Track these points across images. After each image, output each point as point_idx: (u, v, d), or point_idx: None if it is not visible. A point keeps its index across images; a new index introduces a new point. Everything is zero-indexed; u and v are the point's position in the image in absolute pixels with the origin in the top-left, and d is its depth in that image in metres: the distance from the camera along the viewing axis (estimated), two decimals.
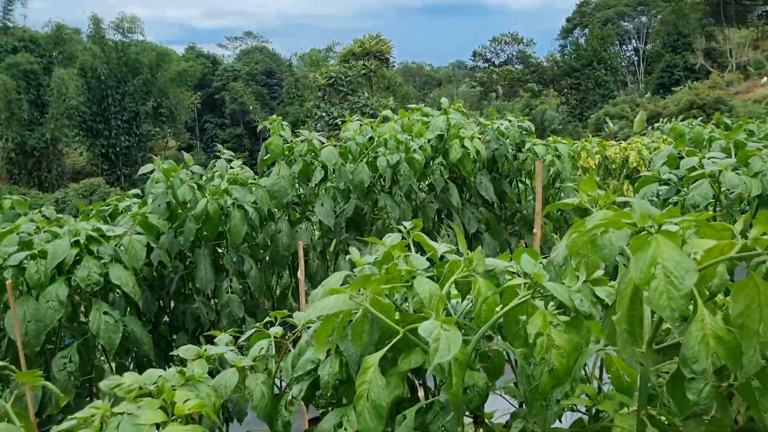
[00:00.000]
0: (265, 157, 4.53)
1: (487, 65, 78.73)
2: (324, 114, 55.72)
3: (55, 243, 3.48)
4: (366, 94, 56.22)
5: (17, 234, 3.71)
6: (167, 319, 4.57)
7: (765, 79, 53.51)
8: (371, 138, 4.67)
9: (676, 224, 1.43)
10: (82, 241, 3.50)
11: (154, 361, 3.87)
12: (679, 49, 63.54)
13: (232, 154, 4.84)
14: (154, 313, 4.41)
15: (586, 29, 75.31)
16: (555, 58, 76.41)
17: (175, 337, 4.59)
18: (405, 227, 2.22)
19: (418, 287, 1.79)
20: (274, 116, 4.56)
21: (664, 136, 6.57)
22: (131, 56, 56.13)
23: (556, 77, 70.32)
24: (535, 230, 5.62)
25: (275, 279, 4.85)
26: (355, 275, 2.05)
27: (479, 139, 5.10)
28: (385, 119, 5.13)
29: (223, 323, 4.25)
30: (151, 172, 4.25)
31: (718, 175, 2.68)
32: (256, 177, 4.40)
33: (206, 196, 4.05)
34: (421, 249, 2.16)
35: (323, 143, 4.50)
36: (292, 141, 4.48)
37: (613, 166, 6.40)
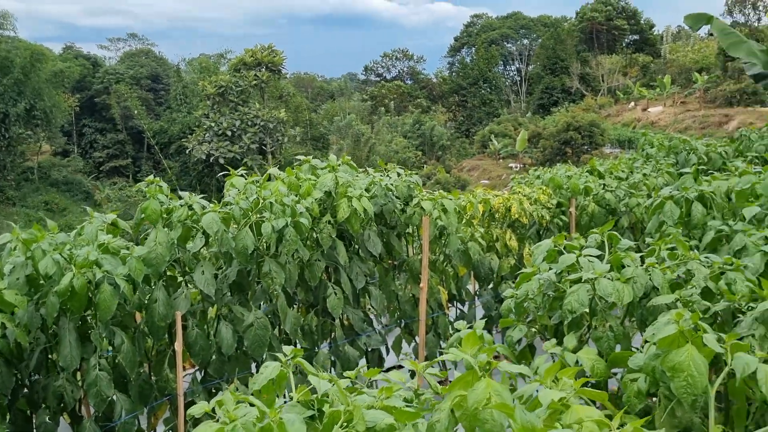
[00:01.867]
0: (139, 221, 4.26)
1: (378, 80, 79.92)
2: (213, 124, 54.20)
3: None
4: (257, 105, 55.29)
5: None
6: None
7: (632, 104, 57.78)
8: (256, 200, 4.51)
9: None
10: None
11: None
12: (558, 72, 67.39)
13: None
14: (11, 389, 4.02)
15: (473, 49, 78.22)
16: (443, 75, 78.80)
17: (35, 414, 4.21)
18: (285, 355, 2.11)
19: None
20: (151, 178, 4.29)
21: (544, 187, 6.84)
22: (1, 53, 52.04)
23: (445, 94, 72.48)
24: (421, 284, 5.68)
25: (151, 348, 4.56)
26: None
27: (367, 197, 5.07)
28: (271, 178, 4.99)
29: (91, 402, 3.94)
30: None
31: (593, 281, 2.79)
32: (129, 246, 4.11)
33: (72, 269, 3.74)
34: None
35: (205, 207, 4.29)
36: (170, 204, 4.24)
37: (497, 215, 6.57)
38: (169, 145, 62.58)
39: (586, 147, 44.19)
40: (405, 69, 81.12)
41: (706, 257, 3.04)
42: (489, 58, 70.91)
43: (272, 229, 4.32)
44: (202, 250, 4.44)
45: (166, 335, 4.54)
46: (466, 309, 6.87)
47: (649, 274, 2.89)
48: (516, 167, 48.83)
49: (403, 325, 6.05)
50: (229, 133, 54.26)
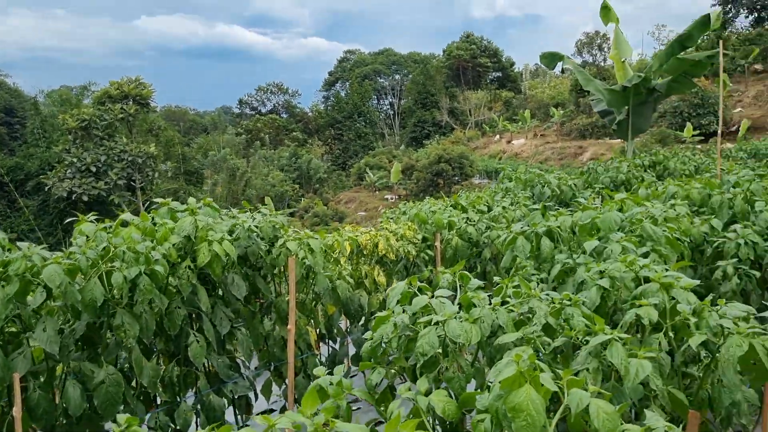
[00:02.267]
0: None
1: (253, 113, 79.13)
2: (75, 159, 51.10)
3: None
4: (125, 139, 52.82)
5: None
6: None
7: (498, 136, 61.06)
8: (107, 248, 4.25)
9: None
10: None
11: None
12: (428, 106, 70.04)
13: None
14: None
15: (347, 83, 79.66)
16: (319, 109, 79.45)
17: None
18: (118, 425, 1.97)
19: None
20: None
21: (409, 223, 7.00)
22: None
23: (320, 127, 73.02)
24: (289, 326, 5.59)
25: None
26: None
27: (229, 240, 4.94)
28: (124, 223, 4.74)
29: None
30: None
31: (443, 323, 2.87)
32: None
33: None
34: None
35: (46, 259, 3.98)
36: (6, 257, 3.90)
37: (365, 252, 6.63)
38: (25, 182, 58.14)
39: (456, 178, 46.03)
40: (280, 102, 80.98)
41: (546, 294, 3.22)
42: (363, 93, 72.47)
43: (124, 278, 4.09)
44: (47, 303, 4.11)
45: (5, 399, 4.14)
46: (338, 347, 6.83)
47: (495, 314, 3.01)
48: (391, 198, 49.87)
49: (272, 368, 5.91)
50: (93, 168, 51.40)
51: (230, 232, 5.32)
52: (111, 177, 51.50)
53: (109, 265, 4.20)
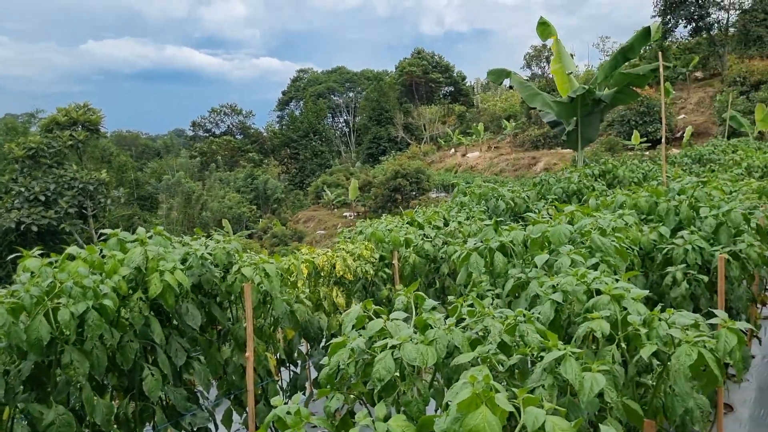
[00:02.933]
0: None
1: (207, 135, 78.28)
2: (23, 189, 49.64)
3: None
4: (75, 167, 51.58)
5: None
6: None
7: (453, 150, 61.72)
8: (53, 284, 4.12)
9: None
10: None
11: None
12: (383, 122, 70.42)
13: None
14: None
15: (301, 102, 79.58)
16: (273, 129, 79.07)
17: None
18: None
19: None
20: None
21: (366, 242, 6.99)
22: None
23: (276, 147, 72.63)
24: (247, 354, 5.50)
25: None
26: None
27: (181, 269, 4.84)
28: (71, 257, 4.60)
29: None
30: None
31: (398, 346, 2.85)
32: None
33: None
34: None
35: None
36: None
37: (323, 274, 6.59)
38: None
39: (414, 192, 46.30)
40: (234, 124, 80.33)
41: (500, 312, 3.24)
42: (317, 111, 72.47)
43: (71, 315, 3.96)
44: None
45: None
46: (299, 371, 6.74)
47: (451, 334, 3.01)
48: (350, 216, 49.82)
49: (232, 397, 5.80)
50: (42, 197, 49.97)
51: (183, 261, 5.22)
52: (61, 205, 50.16)
53: (56, 301, 4.06)
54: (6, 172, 53.35)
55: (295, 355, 6.63)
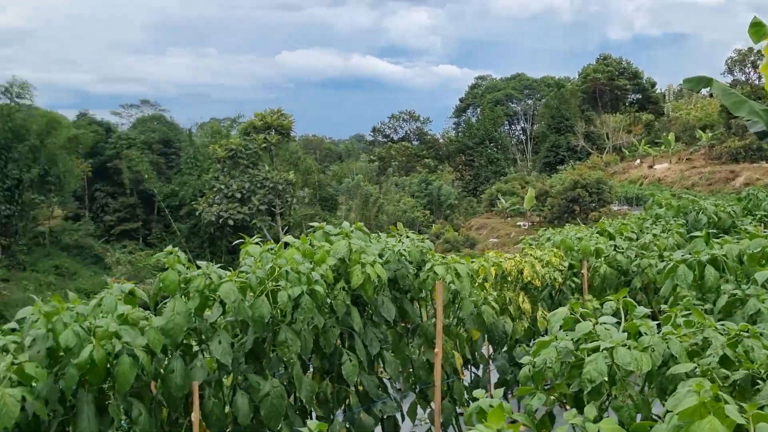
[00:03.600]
0: (157, 290, 4.32)
1: (385, 141, 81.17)
2: (223, 186, 54.85)
3: None
4: (267, 167, 56.05)
5: None
6: None
7: (638, 161, 58.19)
8: (272, 268, 4.57)
9: None
10: None
11: None
12: (563, 131, 68.24)
13: None
14: None
15: (478, 109, 79.61)
16: (449, 135, 79.94)
17: None
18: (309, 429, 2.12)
19: None
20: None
21: (555, 249, 6.88)
22: (18, 122, 53.17)
23: (451, 154, 73.38)
24: (436, 350, 5.66)
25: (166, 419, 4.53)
26: None
27: (380, 263, 5.12)
28: (285, 245, 5.07)
29: None
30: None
31: (611, 350, 2.81)
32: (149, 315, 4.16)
33: (92, 340, 3.77)
34: None
35: (221, 277, 4.35)
36: (188, 274, 4.30)
37: (510, 278, 6.60)
38: (179, 207, 63.17)
39: (594, 204, 44.33)
40: (412, 130, 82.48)
41: (722, 324, 3.05)
42: (494, 118, 72.10)
43: (288, 297, 4.36)
44: (218, 321, 4.47)
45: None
46: (480, 373, 6.81)
47: (667, 343, 2.90)
48: (524, 225, 48.91)
49: (417, 390, 6.00)
50: (238, 195, 54.89)
51: (380, 256, 5.50)
52: (254, 202, 54.77)
53: (275, 284, 4.50)
54: (210, 171, 59.31)
55: (477, 356, 6.71)
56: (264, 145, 57.18)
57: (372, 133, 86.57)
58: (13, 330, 4.40)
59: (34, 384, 3.82)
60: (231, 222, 54.65)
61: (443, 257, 5.93)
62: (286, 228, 54.59)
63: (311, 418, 5.20)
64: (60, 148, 56.42)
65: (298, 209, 59.21)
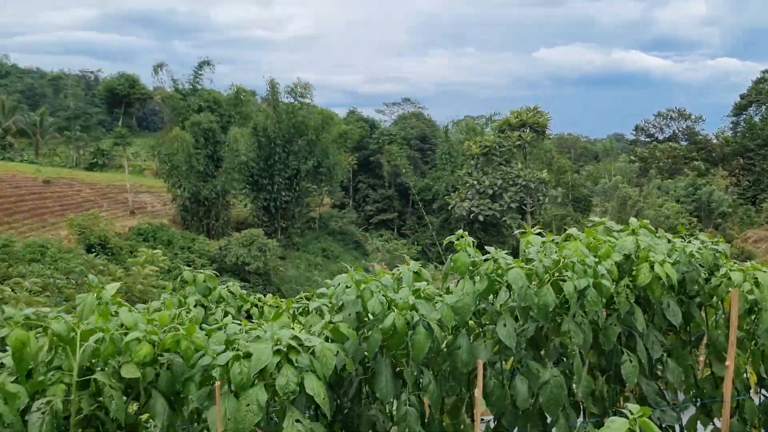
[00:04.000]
0: (447, 271, 4.62)
1: (649, 140, 75.67)
2: (475, 182, 56.05)
3: (259, 348, 3.72)
4: (519, 165, 55.93)
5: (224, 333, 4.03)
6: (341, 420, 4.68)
7: None
8: (557, 258, 4.59)
9: None
10: (283, 350, 3.71)
11: None
12: None
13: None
14: (331, 412, 4.55)
15: (763, 107, 70.17)
16: (725, 136, 71.72)
17: None
18: (631, 412, 2.12)
19: None
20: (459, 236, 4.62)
21: None
22: (299, 118, 59.93)
23: (726, 156, 65.83)
24: (727, 362, 5.20)
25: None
26: None
27: (670, 263, 4.85)
28: (569, 237, 5.04)
29: None
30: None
31: None
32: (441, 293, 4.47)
33: (393, 309, 4.17)
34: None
35: (509, 263, 4.49)
36: (476, 258, 4.53)
37: None
38: (432, 201, 66.00)
39: None
40: (680, 129, 75.72)
41: None
42: None
43: (574, 288, 4.35)
44: (499, 303, 4.63)
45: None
46: None
47: None
48: None
49: (699, 404, 5.57)
50: (490, 191, 55.61)
51: (667, 256, 5.21)
52: (505, 200, 55.05)
53: (558, 274, 4.52)
54: (463, 167, 60.99)
55: None
56: (518, 142, 57.16)
57: (634, 132, 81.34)
58: (321, 295, 5.04)
59: (343, 343, 4.35)
60: (481, 218, 55.59)
61: (739, 263, 5.41)
62: (536, 227, 53.91)
63: (583, 414, 5.13)
64: (331, 142, 62.47)
65: (549, 208, 58.08)
